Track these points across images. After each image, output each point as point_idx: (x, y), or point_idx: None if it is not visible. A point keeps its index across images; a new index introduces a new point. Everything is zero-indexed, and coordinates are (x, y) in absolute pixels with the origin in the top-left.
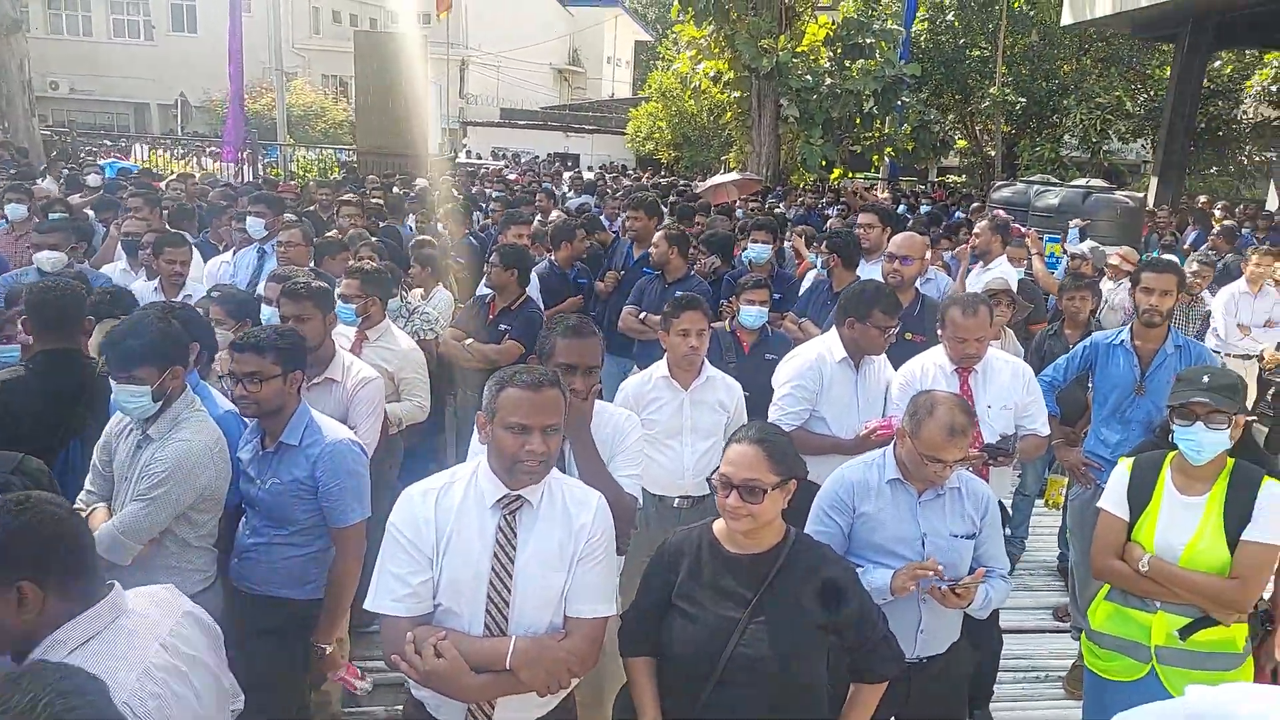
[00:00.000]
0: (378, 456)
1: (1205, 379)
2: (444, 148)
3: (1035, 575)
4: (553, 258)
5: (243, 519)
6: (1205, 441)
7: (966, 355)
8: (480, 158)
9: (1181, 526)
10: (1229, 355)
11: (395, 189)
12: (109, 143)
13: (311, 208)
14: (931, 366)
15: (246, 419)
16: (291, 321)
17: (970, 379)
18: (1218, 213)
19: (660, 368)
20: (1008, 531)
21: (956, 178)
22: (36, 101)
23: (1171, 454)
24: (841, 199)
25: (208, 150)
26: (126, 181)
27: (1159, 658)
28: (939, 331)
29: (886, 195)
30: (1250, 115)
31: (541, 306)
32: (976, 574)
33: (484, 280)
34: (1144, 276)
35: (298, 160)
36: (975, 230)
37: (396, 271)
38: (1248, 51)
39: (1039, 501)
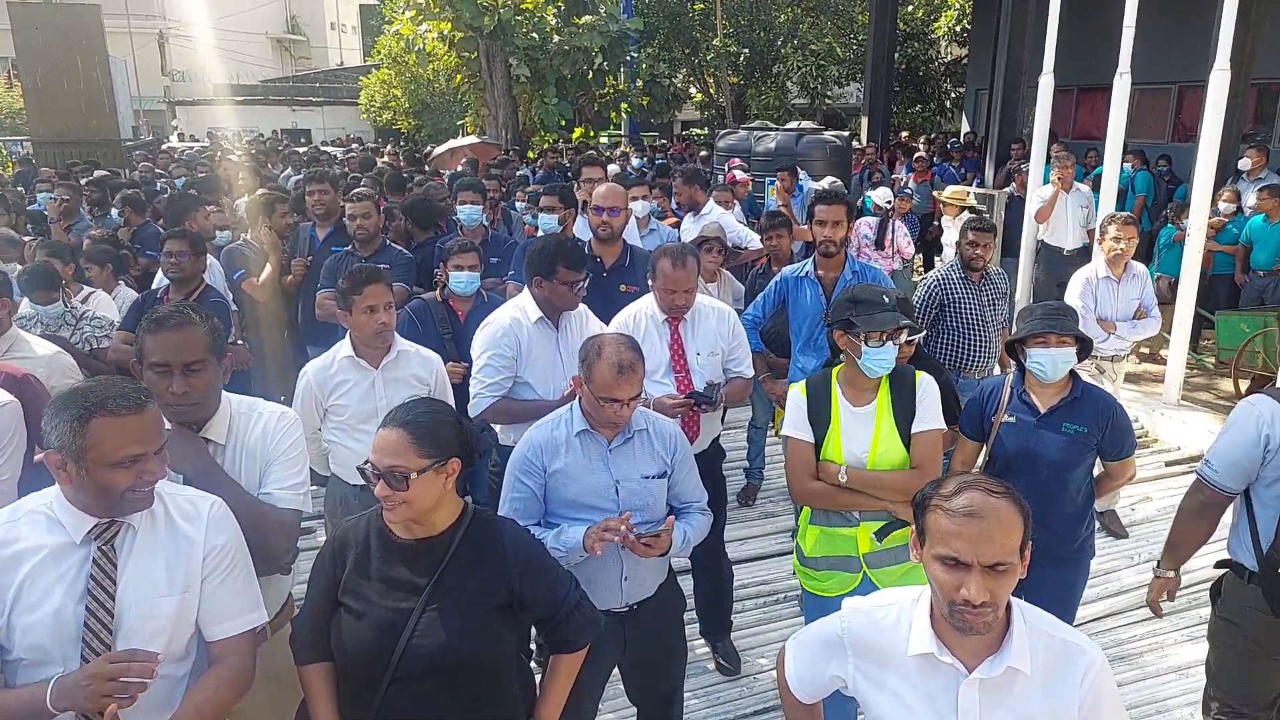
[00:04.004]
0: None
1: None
2: (141, 131)
3: (774, 502)
4: (247, 237)
5: None
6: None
7: (675, 305)
8: (196, 139)
9: (861, 435)
10: (1095, 358)
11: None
12: None
13: None
14: (643, 316)
15: None
16: None
17: (680, 328)
18: (920, 148)
19: (344, 347)
20: (746, 464)
21: (699, 130)
22: None
23: (836, 369)
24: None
25: None
26: None
27: (868, 564)
28: (649, 281)
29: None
30: (943, 55)
31: (225, 294)
32: (666, 523)
33: (161, 271)
34: (817, 209)
35: None
36: (674, 189)
37: (54, 274)
38: None
39: (771, 432)
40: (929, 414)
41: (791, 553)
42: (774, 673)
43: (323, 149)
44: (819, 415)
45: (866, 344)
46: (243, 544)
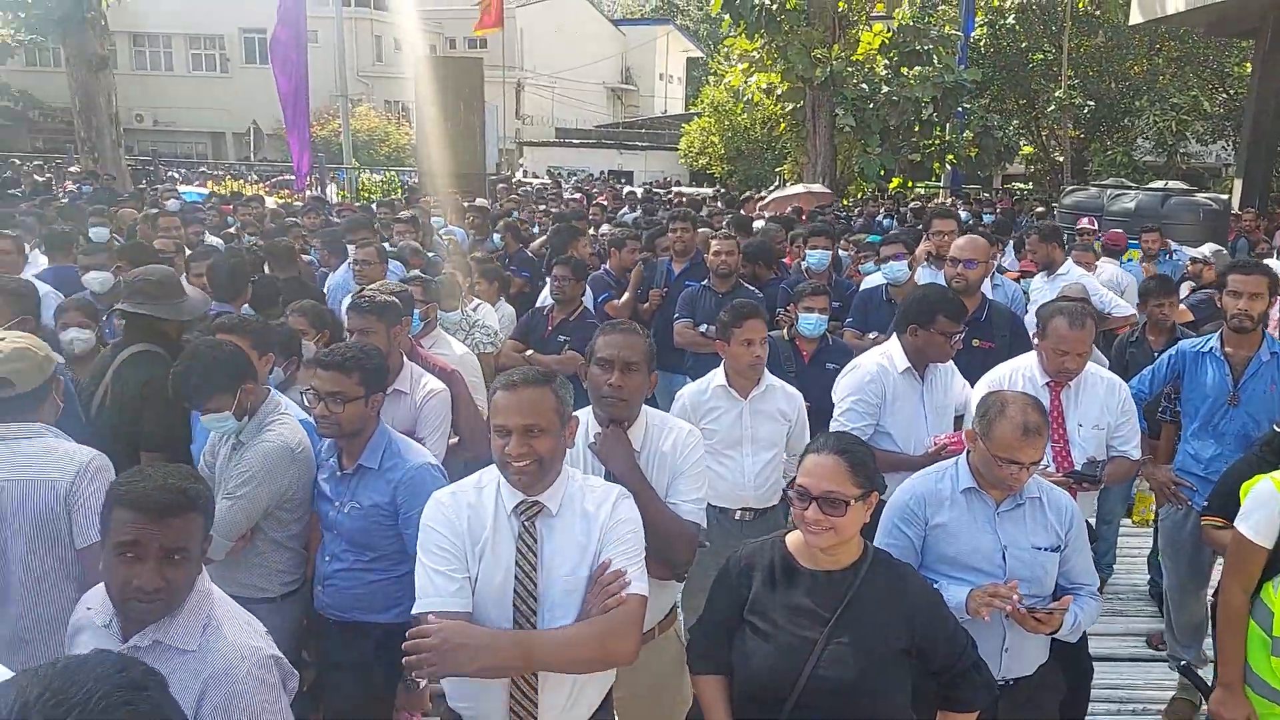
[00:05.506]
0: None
1: None
2: (501, 167)
3: (1126, 601)
4: (608, 266)
5: (320, 544)
6: None
7: (1064, 369)
8: (537, 176)
9: None
10: None
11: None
12: (186, 170)
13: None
14: (1019, 377)
15: (324, 437)
16: (355, 335)
17: (1062, 394)
18: None
19: (717, 376)
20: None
21: (1022, 185)
22: (124, 134)
23: None
24: (900, 208)
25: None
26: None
27: None
28: (1035, 340)
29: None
30: None
31: (596, 317)
32: (1063, 601)
33: (545, 292)
34: (1231, 279)
35: (362, 182)
36: (1028, 245)
37: (458, 285)
38: None
39: (1125, 520)
40: None
41: (1147, 660)
42: None
43: (653, 191)
44: None
45: None
46: (639, 529)
